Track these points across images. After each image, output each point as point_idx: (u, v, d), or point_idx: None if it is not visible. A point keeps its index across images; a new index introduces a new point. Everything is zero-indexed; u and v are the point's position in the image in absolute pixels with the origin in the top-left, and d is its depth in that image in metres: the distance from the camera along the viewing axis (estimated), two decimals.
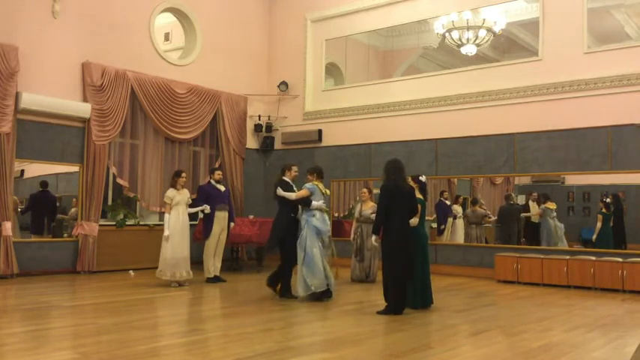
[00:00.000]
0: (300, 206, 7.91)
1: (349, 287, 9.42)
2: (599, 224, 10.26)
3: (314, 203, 7.73)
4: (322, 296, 7.71)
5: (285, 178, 8.20)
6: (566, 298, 8.54)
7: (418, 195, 7.36)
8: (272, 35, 14.06)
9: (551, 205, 11.00)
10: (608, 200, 10.31)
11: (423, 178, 7.61)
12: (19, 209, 10.39)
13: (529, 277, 9.88)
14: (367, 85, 12.86)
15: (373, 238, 7.25)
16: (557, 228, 10.81)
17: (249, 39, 13.59)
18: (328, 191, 8.14)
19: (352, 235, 10.05)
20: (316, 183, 7.92)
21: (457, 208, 12.00)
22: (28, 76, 9.77)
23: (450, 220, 12.00)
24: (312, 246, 7.61)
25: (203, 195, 9.55)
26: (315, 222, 7.70)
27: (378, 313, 6.86)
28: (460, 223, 11.91)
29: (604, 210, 10.31)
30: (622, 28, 10.66)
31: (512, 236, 11.29)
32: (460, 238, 11.78)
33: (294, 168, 8.33)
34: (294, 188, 8.10)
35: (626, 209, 10.26)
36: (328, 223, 7.93)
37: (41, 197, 10.65)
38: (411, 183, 7.40)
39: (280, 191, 7.93)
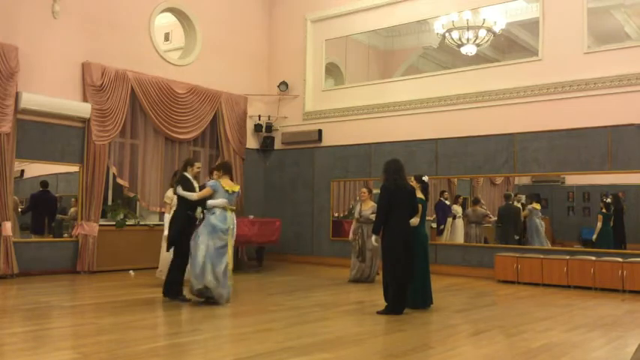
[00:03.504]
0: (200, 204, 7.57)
1: (349, 287, 9.43)
2: (599, 224, 10.27)
3: (210, 202, 7.34)
4: (205, 297, 7.30)
5: (187, 174, 7.75)
6: (566, 298, 8.54)
7: (420, 195, 7.37)
8: (272, 35, 14.07)
9: (537, 206, 11.20)
10: (608, 200, 10.33)
11: (425, 179, 7.61)
12: (20, 209, 10.39)
13: (529, 277, 9.88)
14: (367, 85, 12.86)
15: (373, 238, 7.24)
16: (540, 226, 11.06)
17: (249, 39, 13.60)
18: (237, 187, 7.59)
19: (351, 236, 10.05)
20: (220, 180, 7.53)
21: (457, 208, 11.99)
22: (28, 76, 9.77)
23: (450, 220, 12.00)
24: (200, 243, 7.21)
25: None
26: (213, 219, 7.28)
27: (378, 313, 6.87)
28: (460, 222, 11.90)
29: (604, 210, 10.32)
30: (622, 28, 10.66)
31: (511, 236, 11.30)
32: (460, 238, 11.77)
33: (197, 164, 7.96)
34: (195, 185, 7.73)
35: (626, 209, 10.26)
36: (229, 221, 7.38)
37: (42, 197, 10.64)
38: (413, 183, 7.40)
39: (180, 191, 7.49)
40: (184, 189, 7.55)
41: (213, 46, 12.72)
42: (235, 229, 7.56)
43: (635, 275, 9.01)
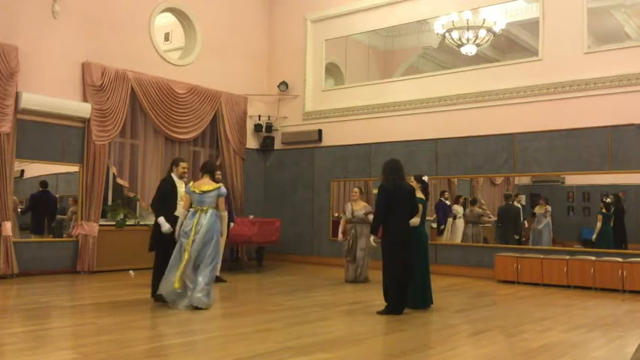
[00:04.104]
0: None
1: (349, 287, 9.43)
2: (599, 224, 10.28)
3: (161, 219, 7.28)
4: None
5: (173, 175, 7.57)
6: (566, 298, 8.54)
7: (420, 195, 7.37)
8: (272, 35, 14.06)
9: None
10: (608, 200, 10.33)
11: (425, 178, 7.62)
12: (19, 209, 10.39)
13: (529, 277, 9.88)
14: (367, 85, 12.86)
15: (372, 238, 7.23)
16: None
17: (249, 39, 13.60)
18: (208, 187, 7.21)
19: (340, 236, 10.05)
20: (200, 180, 7.39)
21: (458, 208, 11.97)
22: (28, 76, 9.77)
23: (450, 220, 11.99)
24: (176, 248, 7.18)
25: None
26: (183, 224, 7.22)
27: (378, 313, 6.87)
28: (460, 222, 11.89)
29: (604, 210, 10.33)
30: (622, 28, 10.66)
31: (510, 236, 11.28)
32: (459, 238, 11.75)
33: (182, 164, 7.66)
34: (180, 185, 7.54)
35: (627, 209, 10.24)
36: (195, 222, 7.04)
37: (41, 197, 10.64)
38: (413, 183, 7.40)
39: (165, 224, 7.29)
40: (163, 194, 7.43)
41: (213, 46, 12.72)
42: (207, 228, 7.05)
43: (635, 275, 9.01)
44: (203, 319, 6.61)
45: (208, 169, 7.47)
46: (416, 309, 7.13)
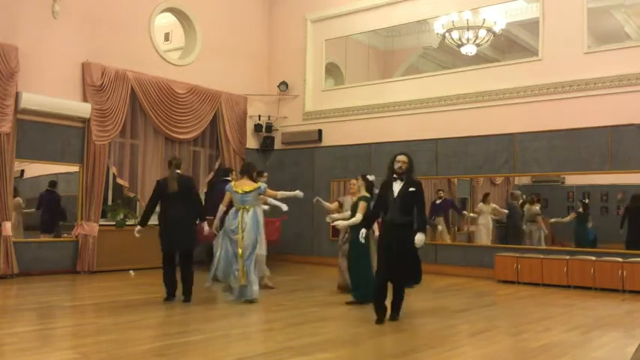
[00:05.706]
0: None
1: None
2: (568, 218, 10.61)
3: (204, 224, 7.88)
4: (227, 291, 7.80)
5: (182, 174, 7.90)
6: (566, 298, 8.54)
7: (364, 193, 7.69)
8: (272, 35, 14.07)
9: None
10: (586, 201, 10.51)
11: (371, 178, 7.87)
12: (22, 209, 10.40)
13: (529, 277, 9.88)
14: (367, 85, 12.86)
15: (423, 238, 6.40)
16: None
17: (249, 39, 13.60)
18: (250, 187, 7.77)
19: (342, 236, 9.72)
20: (239, 181, 7.99)
21: (482, 206, 11.58)
22: (28, 76, 9.76)
23: (439, 219, 11.95)
24: (218, 243, 7.72)
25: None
26: (226, 221, 7.76)
27: (392, 319, 6.53)
28: (484, 219, 11.52)
29: (580, 209, 10.40)
30: (622, 28, 10.66)
31: (512, 236, 11.27)
32: (483, 238, 11.47)
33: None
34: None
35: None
36: (239, 220, 7.59)
37: (47, 197, 10.69)
38: (361, 182, 7.81)
39: (206, 228, 7.94)
40: (196, 190, 8.02)
41: (213, 46, 12.72)
42: (253, 226, 7.64)
43: (635, 275, 9.01)
44: (203, 319, 6.62)
45: (246, 170, 8.05)
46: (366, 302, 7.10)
